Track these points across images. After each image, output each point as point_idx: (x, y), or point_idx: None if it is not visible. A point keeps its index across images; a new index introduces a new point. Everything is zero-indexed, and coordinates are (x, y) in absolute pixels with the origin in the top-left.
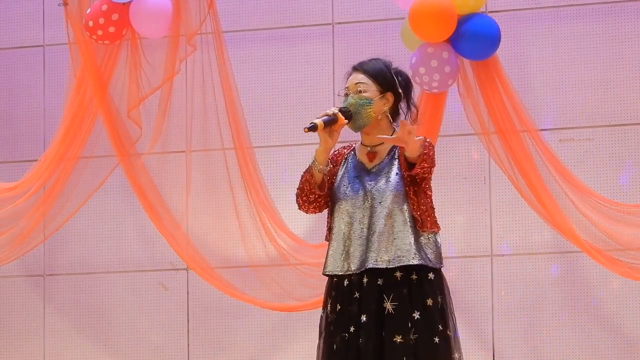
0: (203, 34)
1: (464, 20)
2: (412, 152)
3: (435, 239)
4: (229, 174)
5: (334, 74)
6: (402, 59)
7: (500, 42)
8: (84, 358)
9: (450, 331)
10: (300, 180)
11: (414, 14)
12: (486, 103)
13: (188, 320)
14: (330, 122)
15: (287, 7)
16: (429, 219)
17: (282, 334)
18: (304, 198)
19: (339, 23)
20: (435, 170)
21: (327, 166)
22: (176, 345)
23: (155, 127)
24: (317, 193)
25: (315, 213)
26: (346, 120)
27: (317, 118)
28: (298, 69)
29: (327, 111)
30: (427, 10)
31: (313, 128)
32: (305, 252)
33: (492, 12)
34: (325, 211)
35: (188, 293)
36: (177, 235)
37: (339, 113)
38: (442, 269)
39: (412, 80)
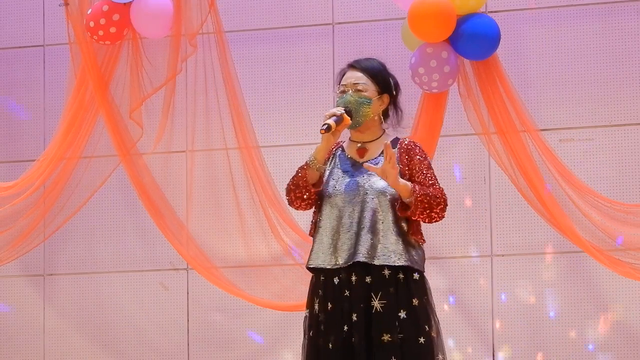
0: (204, 34)
1: (463, 20)
2: (398, 190)
3: (422, 247)
4: (231, 173)
5: (334, 74)
6: (402, 59)
7: (501, 42)
8: (84, 358)
9: (434, 332)
10: (295, 177)
11: (413, 14)
12: (486, 103)
13: (188, 320)
14: (338, 122)
15: (287, 7)
16: (418, 227)
17: (283, 333)
18: (297, 194)
19: (339, 23)
20: (435, 170)
21: (325, 164)
22: (176, 345)
23: (158, 127)
24: (313, 191)
25: (304, 210)
26: (350, 121)
27: (328, 119)
28: (298, 69)
29: (335, 111)
30: (426, 10)
31: (328, 129)
32: (309, 248)
33: (492, 12)
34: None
35: (188, 293)
36: (180, 235)
37: (345, 113)
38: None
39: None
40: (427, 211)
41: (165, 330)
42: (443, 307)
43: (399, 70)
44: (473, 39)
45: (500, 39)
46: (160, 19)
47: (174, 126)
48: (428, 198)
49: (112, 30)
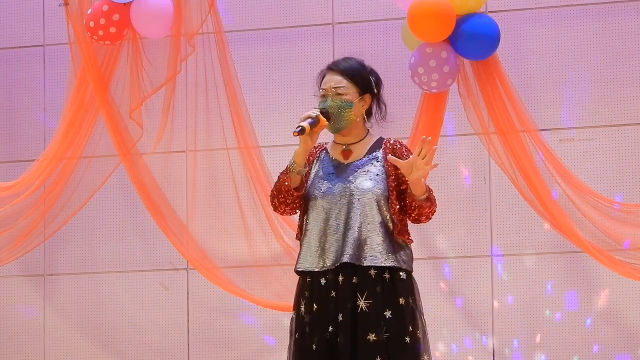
0: (204, 34)
1: (463, 20)
2: (416, 187)
3: (409, 246)
4: (232, 173)
5: None
6: (402, 59)
7: (500, 42)
8: (84, 358)
9: (420, 333)
10: (277, 182)
11: (413, 14)
12: (486, 103)
13: (188, 320)
14: (314, 124)
15: (287, 7)
16: (405, 227)
17: (283, 333)
18: (281, 199)
19: (339, 23)
20: (435, 170)
21: (305, 168)
22: (176, 345)
23: (158, 127)
24: (295, 194)
25: (289, 214)
26: (327, 123)
27: (302, 121)
28: (298, 69)
29: (310, 113)
30: (426, 10)
31: (302, 131)
32: None
33: (491, 12)
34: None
35: (188, 293)
36: (180, 235)
37: (321, 115)
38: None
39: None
40: (428, 213)
41: (165, 330)
42: (443, 308)
43: (399, 70)
44: (473, 39)
45: (500, 39)
46: (160, 19)
47: (174, 126)
48: (432, 197)
49: (112, 30)
